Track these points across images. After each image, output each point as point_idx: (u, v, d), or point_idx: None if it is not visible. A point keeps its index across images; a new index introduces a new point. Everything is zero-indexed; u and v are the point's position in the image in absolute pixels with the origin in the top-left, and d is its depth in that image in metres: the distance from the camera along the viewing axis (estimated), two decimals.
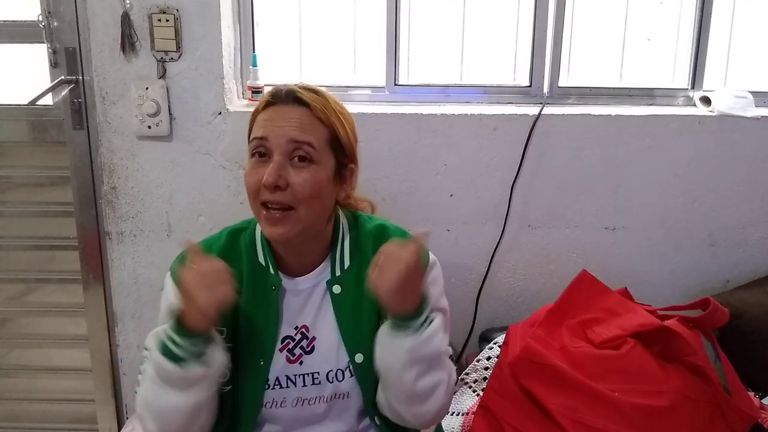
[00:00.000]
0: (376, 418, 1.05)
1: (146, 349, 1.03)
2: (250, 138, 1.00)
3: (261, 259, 1.04)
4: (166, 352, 0.89)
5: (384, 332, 0.96)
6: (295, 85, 1.01)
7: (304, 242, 1.02)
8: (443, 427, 1.23)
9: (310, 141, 0.96)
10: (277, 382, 1.01)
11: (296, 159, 0.96)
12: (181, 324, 0.89)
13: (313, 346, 1.03)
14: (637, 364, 1.18)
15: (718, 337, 1.33)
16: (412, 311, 0.93)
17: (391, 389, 0.98)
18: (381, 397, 1.03)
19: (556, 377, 1.16)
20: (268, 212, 0.96)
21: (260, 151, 0.97)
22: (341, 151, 1.02)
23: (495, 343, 1.53)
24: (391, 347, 0.95)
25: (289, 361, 1.02)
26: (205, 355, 0.91)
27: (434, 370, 0.97)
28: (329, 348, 1.03)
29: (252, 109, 1.04)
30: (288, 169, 0.95)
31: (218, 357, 0.93)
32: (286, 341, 1.02)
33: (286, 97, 0.99)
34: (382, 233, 1.08)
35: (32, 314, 1.79)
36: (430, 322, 0.95)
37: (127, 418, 1.74)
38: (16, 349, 1.83)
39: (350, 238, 1.07)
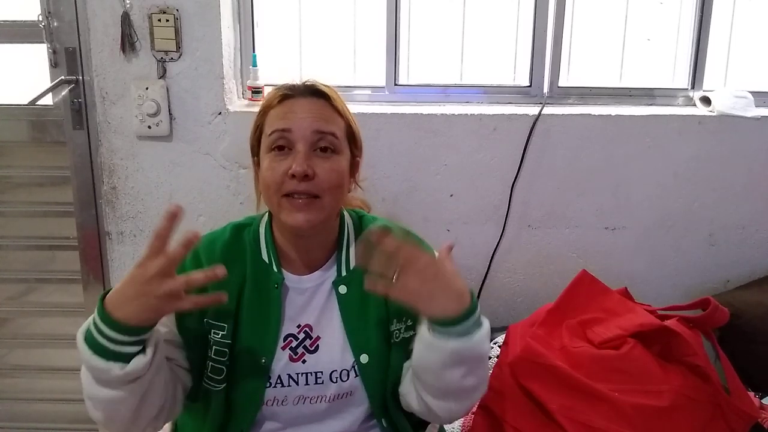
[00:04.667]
0: (383, 421, 1.05)
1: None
2: (268, 132, 0.98)
3: (264, 256, 1.04)
4: (100, 351, 0.82)
5: (424, 330, 0.90)
6: (307, 80, 1.03)
7: (316, 235, 1.02)
8: (444, 426, 1.23)
9: (333, 131, 0.98)
10: (278, 381, 1.01)
11: (319, 150, 0.97)
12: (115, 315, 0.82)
13: (317, 346, 1.02)
14: (637, 364, 1.18)
15: (718, 337, 1.33)
16: (456, 314, 0.86)
17: (426, 384, 0.94)
18: (407, 387, 1.01)
19: (556, 377, 1.16)
20: (293, 200, 0.95)
21: (280, 144, 0.97)
22: (354, 143, 1.04)
23: (495, 343, 1.53)
24: (431, 347, 0.88)
25: (291, 359, 1.01)
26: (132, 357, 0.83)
27: (480, 368, 0.93)
28: (334, 348, 1.02)
29: (253, 109, 1.05)
30: (313, 159, 0.96)
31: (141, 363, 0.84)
32: (289, 339, 1.02)
33: (304, 90, 1.00)
34: None
35: (32, 314, 1.79)
36: (480, 325, 0.88)
37: None
38: (16, 349, 1.83)
39: (355, 237, 1.08)
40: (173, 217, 0.84)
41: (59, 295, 1.74)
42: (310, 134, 0.96)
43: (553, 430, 1.13)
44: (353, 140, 1.04)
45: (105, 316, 0.83)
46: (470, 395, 0.96)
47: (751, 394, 1.34)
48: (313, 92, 1.00)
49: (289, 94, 1.00)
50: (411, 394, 1.00)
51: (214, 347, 1.00)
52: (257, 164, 1.04)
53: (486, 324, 0.90)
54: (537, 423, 1.16)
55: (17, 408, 1.85)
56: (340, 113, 1.01)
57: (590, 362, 1.19)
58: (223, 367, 1.00)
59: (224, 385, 1.00)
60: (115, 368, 0.83)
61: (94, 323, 0.84)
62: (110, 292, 0.85)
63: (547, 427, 1.14)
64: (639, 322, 1.24)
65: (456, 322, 0.86)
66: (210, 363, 1.01)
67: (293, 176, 0.94)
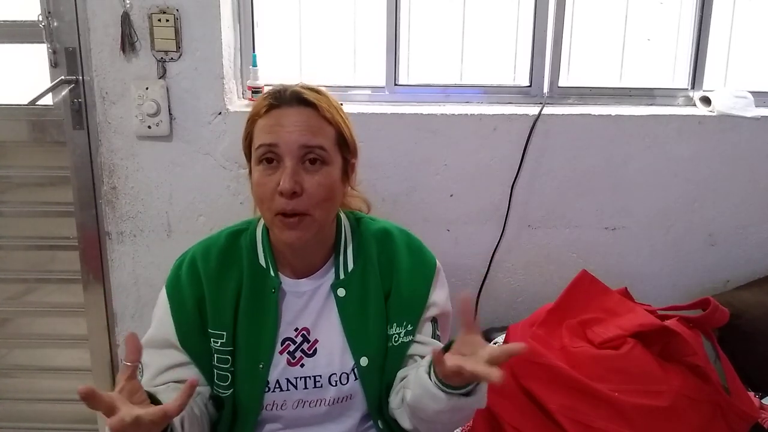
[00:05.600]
0: (379, 422, 1.05)
1: (140, 363, 1.03)
2: (256, 145, 0.96)
3: (262, 260, 1.04)
4: None
5: (426, 379, 0.91)
6: (295, 85, 0.99)
7: (312, 244, 1.01)
8: None
9: (321, 144, 0.95)
10: (277, 385, 1.00)
11: (308, 162, 0.95)
12: None
13: (315, 349, 1.02)
14: (637, 364, 1.18)
15: (718, 337, 1.33)
16: (463, 383, 0.88)
17: (417, 418, 0.98)
18: (397, 402, 1.03)
19: (556, 377, 1.16)
20: (284, 218, 0.94)
21: (268, 157, 0.95)
22: (346, 147, 1.01)
23: (495, 343, 1.53)
24: (433, 397, 0.90)
25: (289, 363, 1.01)
26: None
27: (471, 413, 0.98)
28: (333, 351, 1.02)
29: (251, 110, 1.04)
30: (301, 174, 0.94)
31: None
32: (286, 343, 1.02)
33: (290, 99, 0.96)
34: (387, 237, 1.08)
35: (32, 314, 1.79)
36: (477, 384, 0.89)
37: None
38: (16, 349, 1.83)
39: (353, 240, 1.07)
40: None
41: (59, 295, 1.74)
42: (296, 149, 0.93)
43: (553, 430, 1.13)
44: (345, 145, 1.01)
45: None
46: (459, 423, 1.04)
47: (751, 394, 1.34)
48: (300, 101, 0.96)
49: (275, 104, 0.96)
50: (403, 414, 1.02)
51: (215, 355, 1.01)
52: (251, 171, 1.03)
53: (484, 385, 0.91)
54: (537, 423, 1.16)
55: (17, 408, 1.85)
56: (329, 121, 0.97)
57: (590, 362, 1.19)
58: (228, 374, 1.00)
59: (231, 390, 1.01)
60: None
61: None
62: None
63: (547, 427, 1.14)
64: (639, 322, 1.24)
65: (462, 387, 0.88)
66: (215, 371, 1.01)
67: (282, 194, 0.92)
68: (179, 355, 1.00)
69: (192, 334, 1.00)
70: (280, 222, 0.95)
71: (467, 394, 0.89)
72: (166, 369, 1.00)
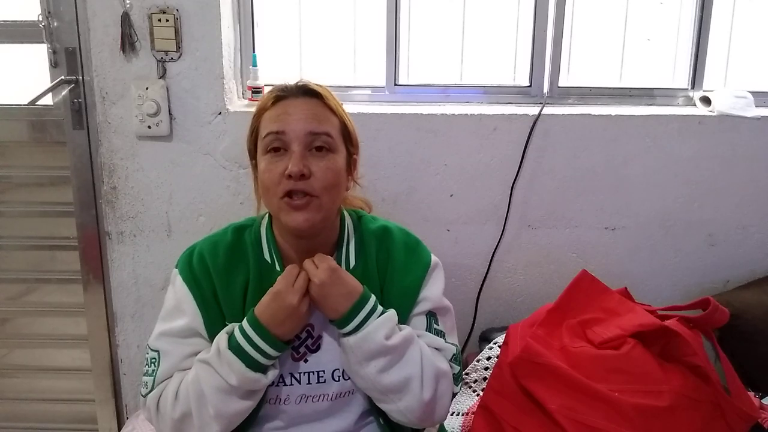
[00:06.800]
0: (380, 419, 1.05)
1: (153, 350, 1.03)
2: (263, 134, 0.99)
3: (267, 256, 1.05)
4: (254, 365, 0.93)
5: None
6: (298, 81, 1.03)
7: (316, 236, 1.03)
8: (444, 426, 1.23)
9: (327, 131, 0.98)
10: (281, 380, 1.01)
11: (314, 149, 0.97)
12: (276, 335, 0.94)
13: (319, 345, 1.03)
14: (637, 364, 1.17)
15: (718, 337, 1.33)
16: (345, 310, 0.96)
17: (362, 387, 1.00)
18: None
19: (556, 377, 1.16)
20: (291, 200, 0.96)
21: (276, 146, 0.97)
22: (350, 141, 1.04)
23: (495, 343, 1.53)
24: (343, 348, 0.98)
25: (294, 358, 1.02)
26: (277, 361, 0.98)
27: (399, 364, 0.97)
28: (336, 347, 1.02)
29: (253, 109, 1.04)
30: (309, 159, 0.96)
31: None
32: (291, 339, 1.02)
33: (296, 90, 1.01)
34: (386, 234, 1.09)
35: (32, 314, 1.79)
36: (371, 319, 0.96)
37: (127, 418, 1.74)
38: (16, 349, 1.83)
39: (355, 237, 1.08)
40: None
41: (59, 295, 1.74)
42: (304, 136, 0.96)
43: (552, 430, 1.13)
44: (349, 138, 1.04)
45: (266, 335, 0.94)
46: (406, 392, 0.98)
47: (751, 394, 1.34)
48: (306, 92, 1.01)
49: (282, 95, 1.00)
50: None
51: None
52: (255, 167, 1.04)
53: (384, 317, 0.97)
54: (537, 423, 1.16)
55: (17, 408, 1.85)
56: (334, 111, 1.01)
57: (590, 362, 1.19)
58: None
59: None
60: (263, 379, 0.95)
61: (251, 342, 0.94)
62: (261, 317, 0.95)
63: (547, 427, 1.14)
64: (639, 322, 1.24)
65: (347, 319, 0.96)
66: None
67: (290, 176, 0.94)
68: (204, 343, 1.01)
69: (217, 322, 1.01)
70: (287, 205, 0.96)
71: (358, 329, 0.95)
72: (189, 356, 1.01)
